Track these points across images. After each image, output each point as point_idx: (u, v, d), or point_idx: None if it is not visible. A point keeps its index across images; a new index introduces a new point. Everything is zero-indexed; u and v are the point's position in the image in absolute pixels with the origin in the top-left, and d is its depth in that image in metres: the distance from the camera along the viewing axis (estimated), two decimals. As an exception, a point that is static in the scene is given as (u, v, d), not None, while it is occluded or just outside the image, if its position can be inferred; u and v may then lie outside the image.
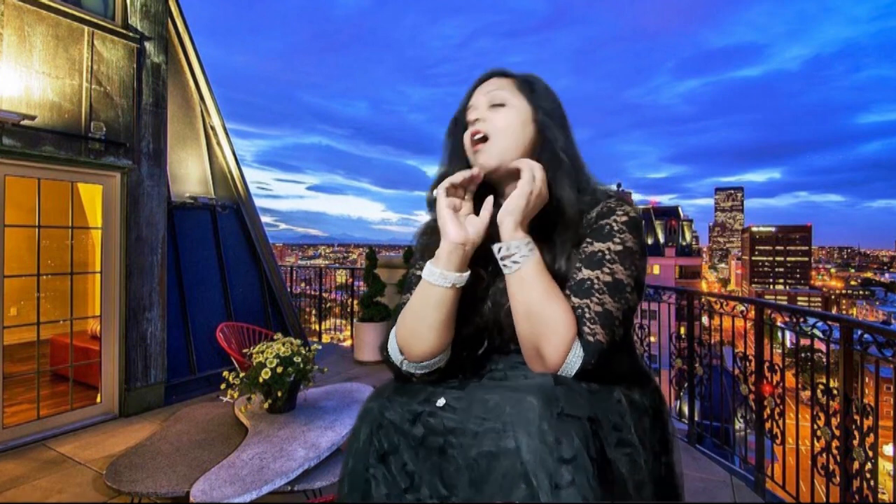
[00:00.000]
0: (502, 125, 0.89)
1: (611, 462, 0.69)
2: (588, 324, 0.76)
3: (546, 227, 0.88)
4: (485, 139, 0.88)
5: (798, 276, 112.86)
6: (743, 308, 2.83)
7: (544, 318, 0.76)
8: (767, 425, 2.48)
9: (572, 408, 0.69)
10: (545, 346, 0.76)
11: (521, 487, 0.64)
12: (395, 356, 0.86)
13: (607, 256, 0.81)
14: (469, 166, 0.91)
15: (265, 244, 5.17)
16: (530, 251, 0.79)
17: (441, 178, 0.91)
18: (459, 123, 0.96)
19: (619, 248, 0.81)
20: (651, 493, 0.73)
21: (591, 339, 0.75)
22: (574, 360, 0.74)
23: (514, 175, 0.87)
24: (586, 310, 0.77)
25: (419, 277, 0.89)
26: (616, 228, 0.83)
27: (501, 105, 0.90)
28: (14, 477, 2.60)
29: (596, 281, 0.79)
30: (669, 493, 0.81)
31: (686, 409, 3.21)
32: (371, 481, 0.76)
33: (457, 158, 0.96)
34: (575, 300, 0.78)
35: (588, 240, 0.84)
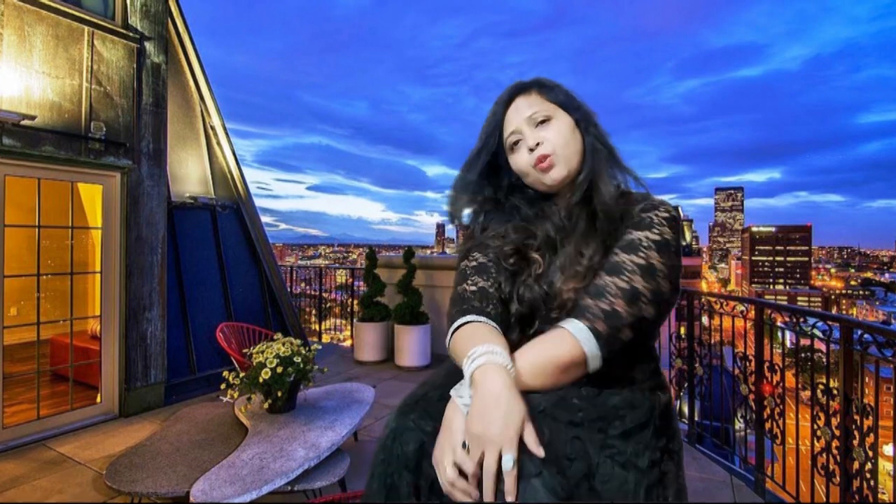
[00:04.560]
0: (560, 140, 0.94)
1: (592, 462, 0.72)
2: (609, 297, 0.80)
3: (590, 216, 0.94)
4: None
5: (798, 276, 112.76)
6: (743, 308, 2.82)
7: (543, 359, 0.77)
8: (767, 425, 2.48)
9: (555, 410, 0.74)
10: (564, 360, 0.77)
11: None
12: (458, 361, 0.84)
13: (644, 244, 0.85)
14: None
15: (265, 244, 5.17)
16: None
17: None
18: (485, 151, 1.00)
19: (657, 238, 0.86)
20: (643, 498, 0.74)
21: (609, 309, 0.79)
22: (590, 347, 0.76)
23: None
24: (611, 286, 0.82)
25: (473, 269, 0.97)
26: (657, 221, 0.88)
27: (547, 120, 0.95)
28: (14, 477, 2.60)
29: (628, 262, 0.83)
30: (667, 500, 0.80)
31: (686, 409, 3.20)
32: (400, 486, 0.76)
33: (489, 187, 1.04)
34: (606, 278, 0.82)
35: (628, 230, 0.89)
